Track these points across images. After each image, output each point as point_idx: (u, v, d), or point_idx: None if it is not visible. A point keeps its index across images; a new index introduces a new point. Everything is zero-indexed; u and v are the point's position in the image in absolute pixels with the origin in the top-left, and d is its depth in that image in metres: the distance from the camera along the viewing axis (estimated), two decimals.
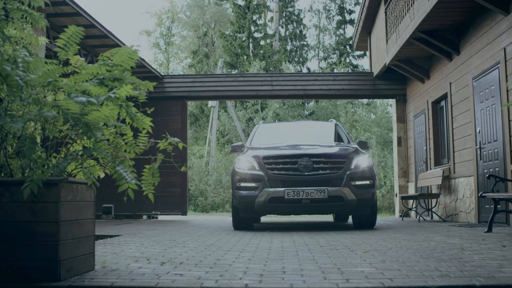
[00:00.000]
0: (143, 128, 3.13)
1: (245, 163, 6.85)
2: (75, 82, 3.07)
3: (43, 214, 2.68)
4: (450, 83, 9.04)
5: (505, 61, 6.84)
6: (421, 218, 9.89)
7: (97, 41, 8.86)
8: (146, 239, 5.40)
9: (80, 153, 2.73)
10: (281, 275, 2.79)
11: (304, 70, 30.90)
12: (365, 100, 26.29)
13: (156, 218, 12.53)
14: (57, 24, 7.98)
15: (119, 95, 2.61)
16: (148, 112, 3.01)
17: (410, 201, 11.40)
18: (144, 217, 12.29)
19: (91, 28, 8.28)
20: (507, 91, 6.73)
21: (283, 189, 6.49)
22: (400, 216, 11.26)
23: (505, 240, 4.86)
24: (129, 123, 3.16)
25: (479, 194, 6.27)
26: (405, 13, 9.03)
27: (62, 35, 2.83)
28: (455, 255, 3.65)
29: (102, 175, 3.34)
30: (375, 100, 24.45)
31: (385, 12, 10.67)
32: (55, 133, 3.03)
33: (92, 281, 2.67)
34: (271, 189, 6.52)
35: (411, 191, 11.55)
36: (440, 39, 8.66)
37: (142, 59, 10.52)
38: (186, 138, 12.15)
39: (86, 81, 3.07)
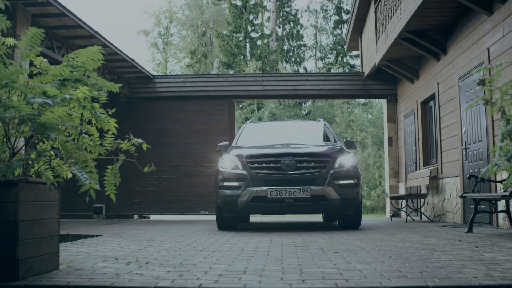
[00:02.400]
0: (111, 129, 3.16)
1: (228, 162, 6.86)
2: (41, 83, 3.10)
3: (1, 214, 2.69)
4: (438, 83, 9.05)
5: (489, 61, 6.85)
6: (409, 218, 9.90)
7: (85, 42, 8.86)
8: (125, 239, 5.42)
9: (33, 153, 2.73)
10: (240, 275, 2.80)
11: (301, 70, 30.90)
12: (361, 100, 26.32)
13: (148, 218, 12.56)
14: (43, 25, 7.98)
15: (77, 96, 2.62)
16: (110, 113, 3.02)
17: (400, 202, 11.40)
18: (135, 217, 12.32)
19: (78, 28, 8.29)
20: (491, 91, 6.73)
21: (266, 188, 6.49)
22: (391, 216, 11.27)
23: (481, 240, 4.87)
24: (95, 124, 3.19)
25: (460, 195, 6.28)
26: (393, 13, 9.04)
27: (24, 37, 2.85)
28: (424, 256, 3.66)
29: (70, 175, 3.36)
30: (371, 100, 24.46)
31: (375, 12, 10.68)
32: (19, 134, 3.05)
33: (51, 280, 2.68)
34: (254, 189, 6.52)
35: (402, 191, 11.56)
36: (428, 39, 8.67)
37: (132, 59, 10.54)
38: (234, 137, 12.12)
39: (53, 81, 3.09)
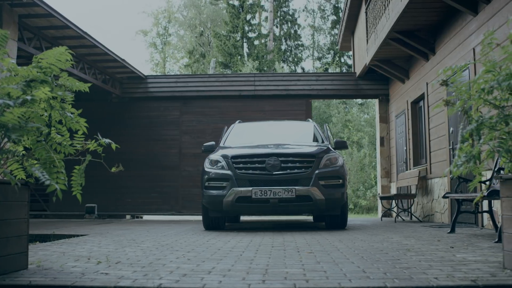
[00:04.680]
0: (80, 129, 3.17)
1: (214, 163, 6.87)
2: (8, 84, 3.12)
3: None
4: (427, 83, 9.06)
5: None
6: (399, 218, 9.90)
7: (74, 42, 8.88)
8: (107, 239, 5.43)
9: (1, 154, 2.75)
10: (204, 275, 2.81)
11: (299, 70, 30.91)
12: (358, 100, 26.30)
13: (141, 218, 12.58)
14: (31, 25, 8.00)
15: (39, 97, 2.64)
16: (76, 113, 3.03)
17: (391, 202, 11.41)
18: (128, 216, 12.34)
19: (66, 29, 8.30)
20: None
21: (250, 188, 6.50)
22: (382, 216, 11.27)
23: (459, 241, 4.88)
24: (64, 123, 3.20)
25: (443, 195, 6.29)
26: (382, 13, 9.05)
27: None
28: (395, 256, 3.67)
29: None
30: (368, 100, 24.45)
31: (366, 12, 10.69)
32: None
33: (14, 280, 2.70)
34: (239, 189, 6.53)
35: (393, 191, 11.57)
36: (416, 39, 8.68)
37: (123, 59, 10.55)
38: None
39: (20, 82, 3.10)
